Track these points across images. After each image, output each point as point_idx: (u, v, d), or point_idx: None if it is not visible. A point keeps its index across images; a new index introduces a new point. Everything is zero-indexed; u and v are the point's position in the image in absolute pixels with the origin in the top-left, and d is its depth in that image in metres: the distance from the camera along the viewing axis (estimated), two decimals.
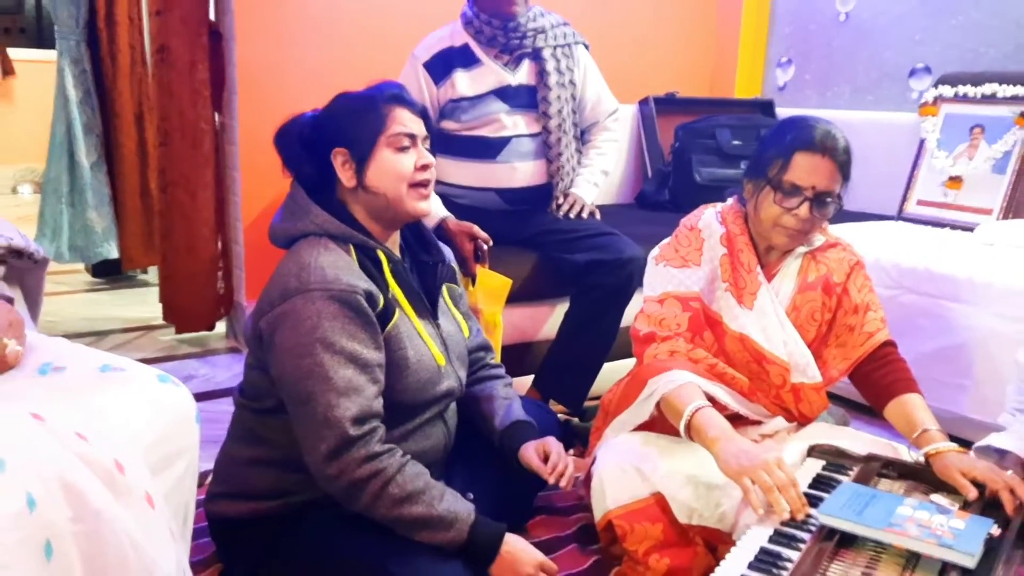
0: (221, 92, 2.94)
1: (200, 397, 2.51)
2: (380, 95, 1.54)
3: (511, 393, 1.81)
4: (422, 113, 1.58)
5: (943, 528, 1.26)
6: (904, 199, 3.03)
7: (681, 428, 1.56)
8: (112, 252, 3.66)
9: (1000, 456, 1.62)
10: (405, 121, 1.53)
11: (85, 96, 3.51)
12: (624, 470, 1.64)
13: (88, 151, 3.53)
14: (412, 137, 1.54)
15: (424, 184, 1.56)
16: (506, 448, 1.71)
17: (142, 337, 3.25)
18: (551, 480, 1.64)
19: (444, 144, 2.44)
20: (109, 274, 4.07)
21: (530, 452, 1.67)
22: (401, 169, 1.53)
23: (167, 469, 1.31)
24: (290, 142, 1.55)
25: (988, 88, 2.87)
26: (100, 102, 3.56)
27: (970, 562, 1.20)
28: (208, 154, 2.93)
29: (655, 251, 1.85)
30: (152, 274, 3.99)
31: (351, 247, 1.52)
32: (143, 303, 3.68)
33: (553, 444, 1.69)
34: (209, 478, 1.68)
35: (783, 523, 1.36)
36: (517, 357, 2.47)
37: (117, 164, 3.61)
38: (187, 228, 2.97)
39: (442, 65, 2.41)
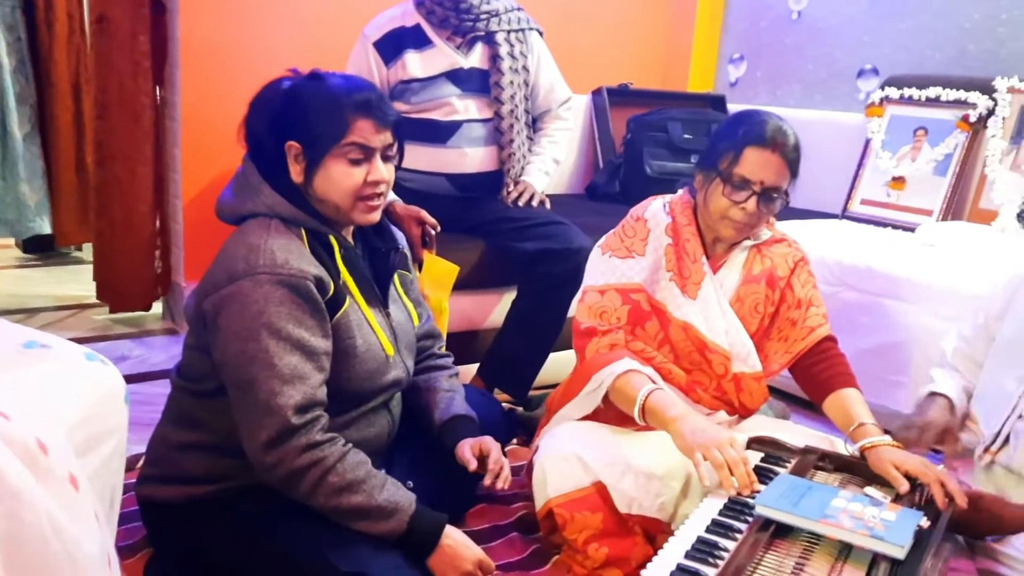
0: (163, 66, 2.86)
1: (134, 379, 2.45)
2: (348, 99, 1.45)
3: (455, 385, 1.78)
4: (394, 124, 1.49)
5: (875, 520, 1.29)
6: (848, 198, 3.09)
7: (635, 412, 1.57)
8: (45, 227, 3.58)
9: (927, 403, 1.67)
10: (366, 133, 1.45)
11: (19, 64, 3.40)
12: (566, 459, 1.64)
13: (21, 122, 3.43)
14: (369, 150, 1.47)
15: (373, 197, 1.50)
16: (443, 444, 1.68)
17: (74, 316, 3.16)
18: (487, 481, 1.60)
19: None
20: (41, 250, 3.97)
21: (465, 448, 1.63)
22: (348, 184, 1.46)
23: (93, 450, 1.26)
24: (263, 114, 1.47)
25: (932, 91, 2.94)
26: (35, 71, 3.47)
27: (900, 553, 1.23)
28: (148, 129, 2.85)
29: (601, 240, 1.86)
30: (86, 251, 3.89)
31: (302, 231, 1.47)
32: (76, 281, 3.58)
33: (492, 445, 1.65)
34: (141, 461, 1.63)
35: (722, 511, 1.37)
36: (463, 345, 2.45)
37: (52, 136, 3.52)
38: (124, 205, 2.88)
39: (393, 45, 2.36)
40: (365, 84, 1.51)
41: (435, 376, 1.76)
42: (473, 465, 1.61)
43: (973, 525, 1.45)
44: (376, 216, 1.53)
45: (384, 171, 1.50)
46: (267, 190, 1.47)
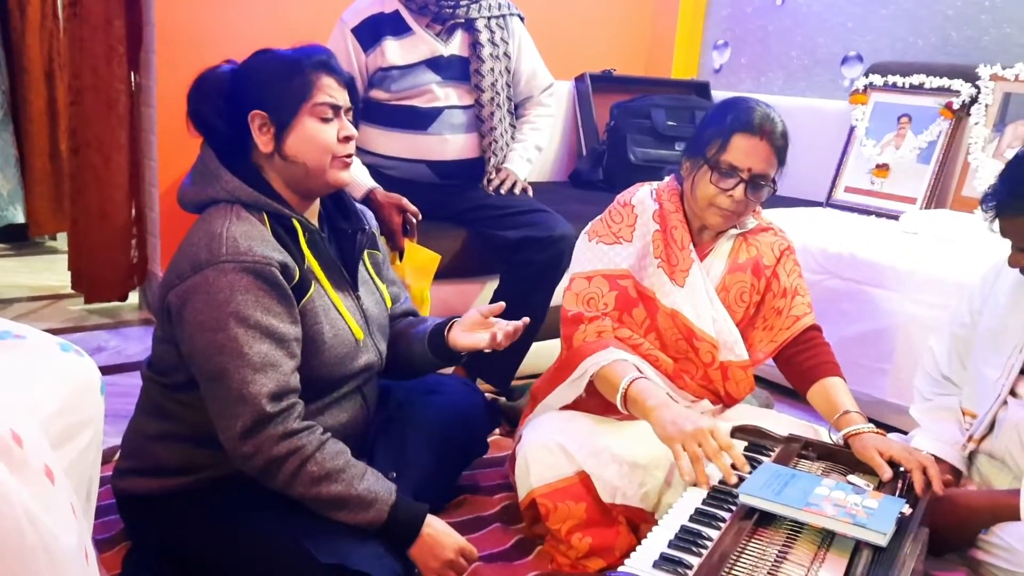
0: (138, 51, 2.82)
1: (110, 370, 2.42)
2: (307, 60, 1.47)
3: None
4: (348, 83, 1.52)
5: (857, 507, 1.29)
6: (833, 186, 3.08)
7: (618, 400, 1.56)
8: (18, 216, 3.54)
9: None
10: (331, 91, 1.47)
11: None
12: (549, 449, 1.63)
13: None
14: (336, 108, 1.48)
15: (347, 155, 1.50)
16: (436, 339, 1.65)
17: (49, 306, 3.11)
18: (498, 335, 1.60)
19: (373, 113, 2.37)
20: (14, 239, 3.92)
21: (471, 311, 1.64)
22: (325, 140, 1.47)
23: (69, 442, 1.24)
24: (208, 98, 1.46)
25: (916, 79, 2.93)
26: (7, 56, 3.42)
27: (882, 540, 1.23)
28: (123, 115, 2.81)
29: (587, 226, 1.84)
30: (61, 240, 3.85)
31: (264, 216, 1.45)
32: (51, 271, 3.54)
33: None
34: (117, 454, 1.60)
35: (705, 500, 1.37)
36: None
37: (24, 123, 3.48)
38: (99, 192, 2.84)
39: (371, 31, 2.33)
40: (316, 46, 1.52)
41: (419, 319, 1.76)
42: (499, 310, 1.64)
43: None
44: (348, 176, 1.53)
45: (352, 127, 1.51)
46: (227, 175, 1.45)
